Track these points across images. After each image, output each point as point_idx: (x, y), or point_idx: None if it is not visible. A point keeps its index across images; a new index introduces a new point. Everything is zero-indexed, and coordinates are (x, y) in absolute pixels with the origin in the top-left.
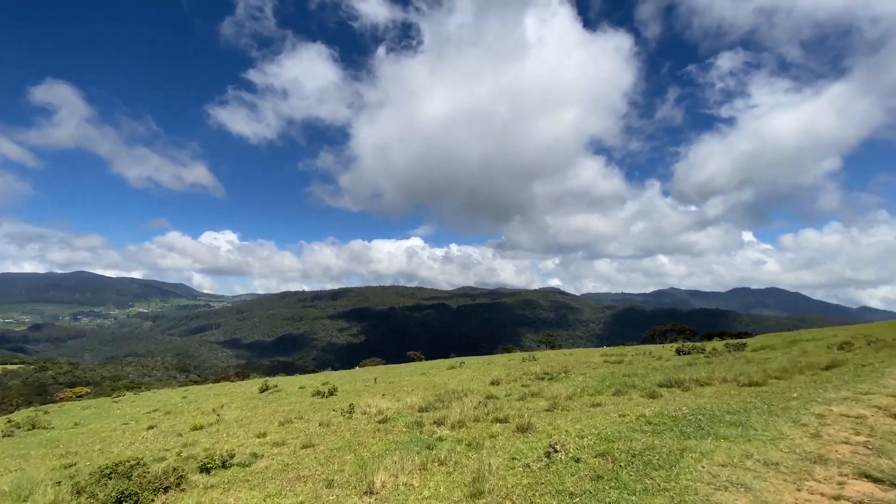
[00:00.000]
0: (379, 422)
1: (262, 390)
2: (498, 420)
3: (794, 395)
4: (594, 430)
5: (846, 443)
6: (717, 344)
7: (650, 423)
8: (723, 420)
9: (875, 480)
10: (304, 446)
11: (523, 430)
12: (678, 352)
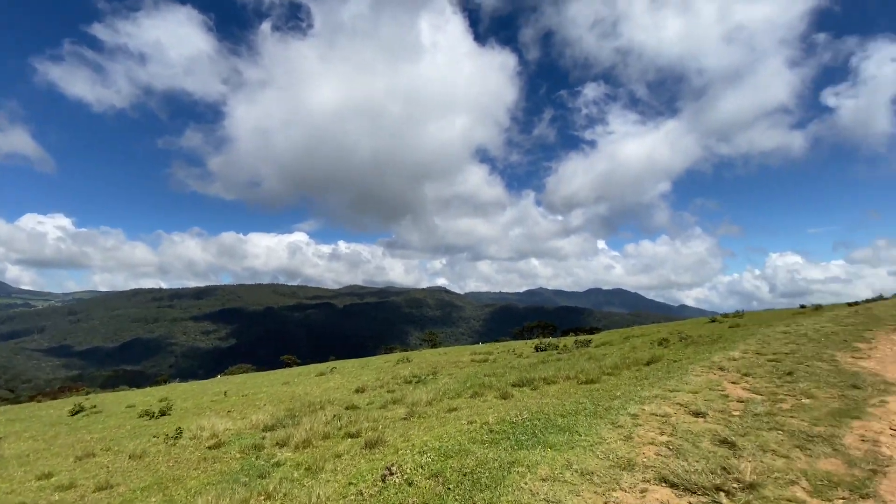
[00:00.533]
0: (210, 447)
1: (75, 412)
2: (349, 435)
3: (618, 393)
4: (437, 444)
5: (652, 443)
6: (569, 340)
7: (491, 432)
8: (555, 425)
9: (672, 486)
10: (99, 489)
11: (372, 445)
12: (537, 348)
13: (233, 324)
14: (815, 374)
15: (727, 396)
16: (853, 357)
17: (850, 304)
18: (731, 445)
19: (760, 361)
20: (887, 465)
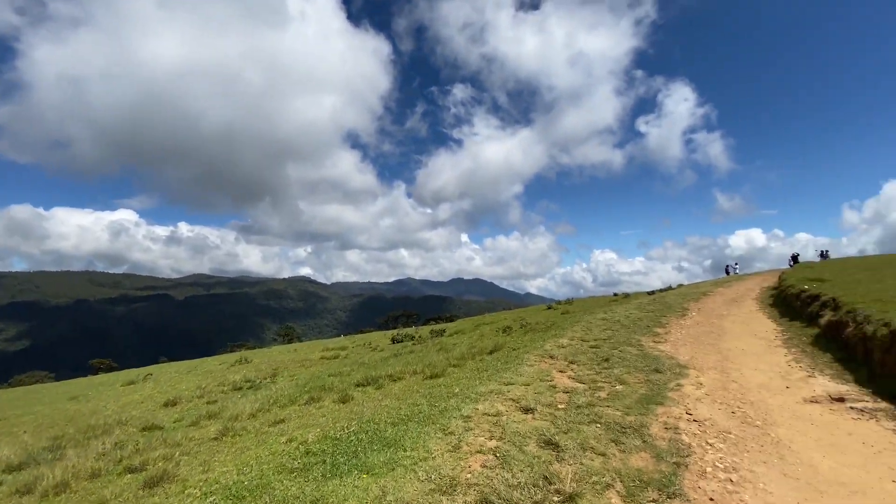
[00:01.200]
0: None
1: None
2: (130, 469)
3: (457, 389)
4: (235, 478)
5: (480, 451)
6: (426, 330)
7: (308, 453)
8: (382, 438)
9: None
10: None
11: (154, 484)
12: (393, 340)
13: (27, 321)
14: (627, 360)
15: (555, 387)
16: (654, 341)
17: (649, 293)
18: (555, 447)
19: (584, 348)
20: (687, 456)
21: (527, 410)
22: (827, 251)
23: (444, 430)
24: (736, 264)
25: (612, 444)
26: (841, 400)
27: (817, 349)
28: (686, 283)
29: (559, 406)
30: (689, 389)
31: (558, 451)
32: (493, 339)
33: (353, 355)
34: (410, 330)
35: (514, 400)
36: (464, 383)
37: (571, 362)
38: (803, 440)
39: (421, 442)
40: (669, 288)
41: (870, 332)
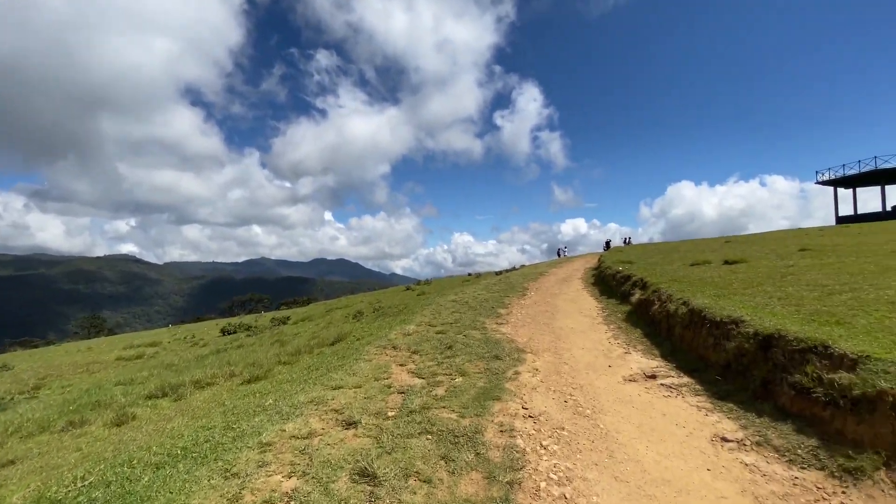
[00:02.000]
0: None
1: None
2: None
3: (271, 399)
4: None
5: (269, 502)
6: (268, 318)
7: None
8: (130, 494)
9: None
10: None
11: None
12: (224, 331)
13: None
14: (470, 346)
15: (390, 387)
16: (497, 323)
17: (496, 273)
18: (372, 478)
19: (430, 334)
20: (521, 468)
21: (349, 425)
22: (629, 238)
23: (226, 470)
24: (565, 248)
25: (442, 463)
26: (653, 377)
27: (630, 325)
28: (528, 263)
29: (389, 414)
30: (525, 377)
31: (375, 485)
32: (340, 327)
33: (164, 354)
34: (250, 318)
35: (336, 411)
36: (284, 389)
37: (414, 352)
38: (628, 428)
39: (183, 497)
40: (514, 269)
41: (672, 309)
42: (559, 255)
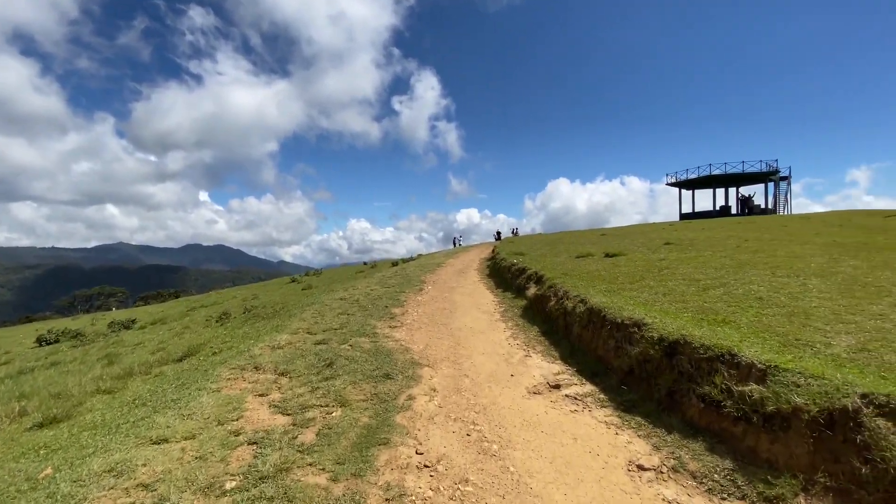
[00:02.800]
0: None
1: None
2: None
3: (49, 468)
4: None
5: None
6: (105, 322)
7: None
8: None
9: None
10: None
11: None
12: (40, 341)
13: None
14: (356, 362)
15: (239, 435)
16: (390, 327)
17: (392, 264)
18: None
19: (308, 346)
20: None
21: None
22: (516, 229)
23: None
24: (460, 237)
25: None
26: (557, 387)
27: (527, 322)
28: (425, 252)
29: (227, 486)
30: (421, 403)
31: None
32: (198, 334)
33: None
34: (85, 320)
35: (144, 487)
36: (82, 443)
37: (283, 374)
38: (541, 468)
39: None
40: (411, 258)
41: (570, 307)
42: (455, 245)
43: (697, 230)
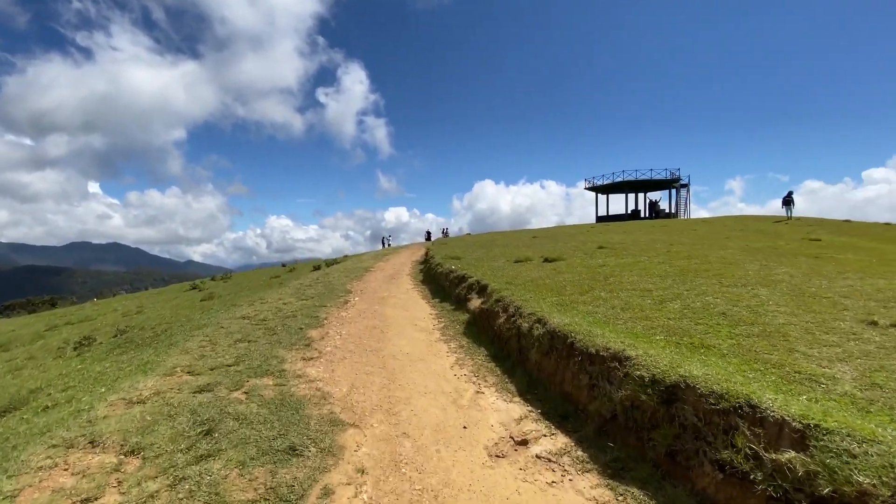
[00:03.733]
0: None
1: None
2: None
3: None
4: None
5: None
6: None
7: None
8: None
9: None
10: None
11: None
12: None
13: None
14: (249, 423)
15: None
16: (304, 359)
17: (315, 268)
18: None
19: (182, 398)
20: None
21: None
22: (447, 229)
23: None
24: (389, 236)
25: None
26: (524, 443)
27: (472, 342)
28: (352, 252)
29: None
30: (342, 501)
31: None
32: (39, 371)
33: None
34: None
35: None
36: None
37: (133, 453)
38: None
39: None
40: (334, 261)
41: (525, 328)
42: (384, 245)
43: (621, 233)
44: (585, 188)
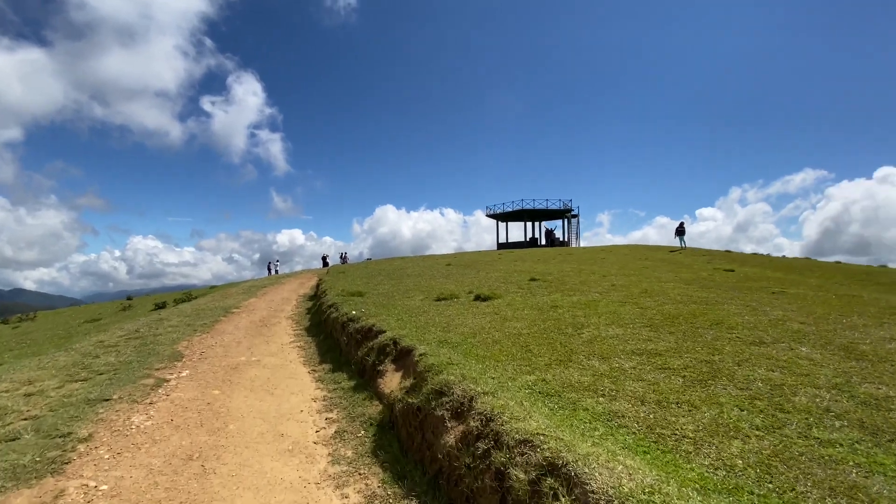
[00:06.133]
0: None
1: None
2: None
3: None
4: None
5: None
6: None
7: None
8: None
9: None
10: None
11: None
12: None
13: None
14: None
15: None
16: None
17: (157, 307)
18: None
19: None
20: None
21: None
22: (346, 253)
23: None
24: (278, 261)
25: None
26: None
27: (394, 478)
28: (235, 277)
29: None
30: None
31: None
32: None
33: None
34: None
35: None
36: None
37: None
38: None
39: None
40: (189, 295)
41: (520, 479)
42: (270, 271)
43: (535, 261)
44: (487, 215)
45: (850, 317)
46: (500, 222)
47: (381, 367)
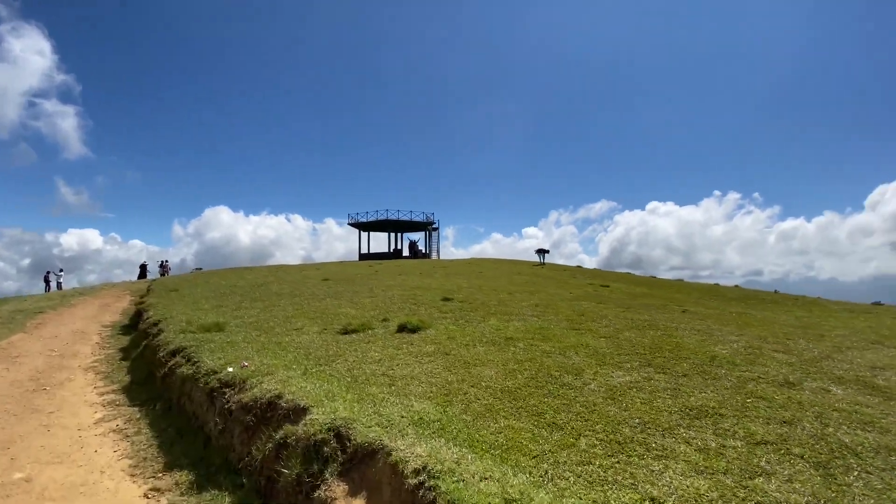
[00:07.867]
0: None
1: None
2: None
3: None
4: None
5: None
6: None
7: None
8: None
9: None
10: None
11: None
12: None
13: None
14: None
15: None
16: None
17: None
18: None
19: None
20: None
21: None
22: (166, 261)
23: None
24: (61, 270)
25: None
26: None
27: None
28: None
29: None
30: None
31: None
32: None
33: None
34: None
35: None
36: None
37: None
38: None
39: None
40: None
41: None
42: (48, 286)
43: (421, 275)
44: (349, 224)
45: (794, 339)
46: (361, 231)
47: (320, 493)
